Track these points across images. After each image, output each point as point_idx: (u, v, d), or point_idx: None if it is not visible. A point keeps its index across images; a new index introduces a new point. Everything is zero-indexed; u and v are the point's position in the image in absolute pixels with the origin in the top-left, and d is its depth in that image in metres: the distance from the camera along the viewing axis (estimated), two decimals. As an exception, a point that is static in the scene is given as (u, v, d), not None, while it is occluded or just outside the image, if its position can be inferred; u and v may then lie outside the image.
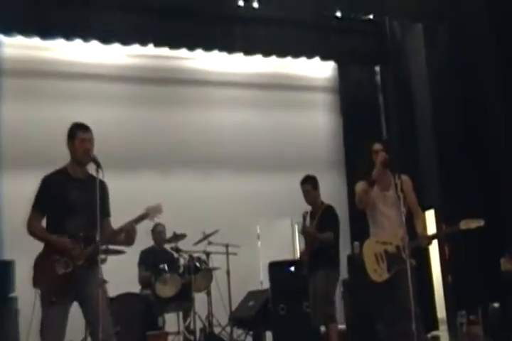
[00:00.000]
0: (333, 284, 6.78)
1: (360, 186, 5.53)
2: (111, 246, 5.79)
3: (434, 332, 9.69)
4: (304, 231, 6.92)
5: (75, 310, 4.58)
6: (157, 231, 8.16)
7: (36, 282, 4.50)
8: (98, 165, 4.51)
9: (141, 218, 4.66)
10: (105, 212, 4.69)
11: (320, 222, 6.84)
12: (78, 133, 4.64)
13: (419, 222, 5.50)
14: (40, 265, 4.51)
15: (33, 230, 4.56)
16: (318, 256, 6.76)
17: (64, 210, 4.56)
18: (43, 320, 4.44)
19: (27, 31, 9.14)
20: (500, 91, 8.95)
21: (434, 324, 9.87)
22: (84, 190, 4.58)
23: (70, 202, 4.56)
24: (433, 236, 5.57)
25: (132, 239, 4.75)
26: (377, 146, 5.52)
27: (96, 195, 4.39)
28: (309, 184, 6.99)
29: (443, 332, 9.79)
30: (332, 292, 6.73)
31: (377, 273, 5.34)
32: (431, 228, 9.02)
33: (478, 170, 9.12)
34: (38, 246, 4.58)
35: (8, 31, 9.15)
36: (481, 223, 5.04)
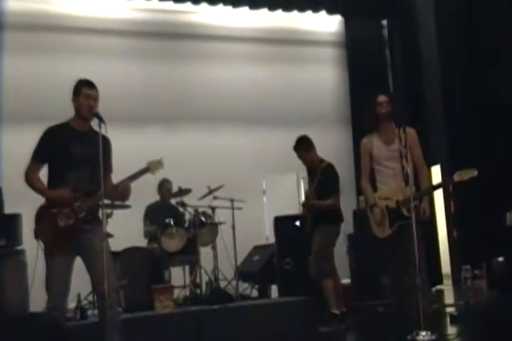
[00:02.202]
0: (331, 240, 6.72)
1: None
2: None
3: (439, 286, 9.78)
4: (306, 204, 6.89)
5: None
6: (165, 188, 8.16)
7: (38, 234, 4.54)
8: (101, 120, 4.50)
9: (143, 172, 4.66)
10: (107, 168, 4.69)
11: (319, 183, 6.73)
12: (83, 90, 4.65)
13: (423, 176, 5.45)
14: (42, 217, 4.54)
15: (29, 181, 4.58)
16: (319, 215, 6.73)
17: (65, 162, 4.56)
18: (47, 272, 4.50)
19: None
20: (510, 45, 8.81)
21: (438, 278, 9.95)
22: (86, 144, 4.59)
23: (72, 155, 4.56)
24: (432, 188, 5.53)
25: (126, 195, 4.77)
26: (381, 98, 5.45)
27: (98, 149, 4.39)
28: (301, 148, 6.81)
29: (447, 287, 9.88)
30: (328, 248, 6.68)
31: (380, 228, 5.35)
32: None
33: (486, 124, 9.05)
34: (43, 199, 4.59)
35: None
36: (475, 173, 4.97)
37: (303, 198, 10.01)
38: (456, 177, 5.01)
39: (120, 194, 4.73)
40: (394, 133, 5.36)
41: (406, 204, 5.10)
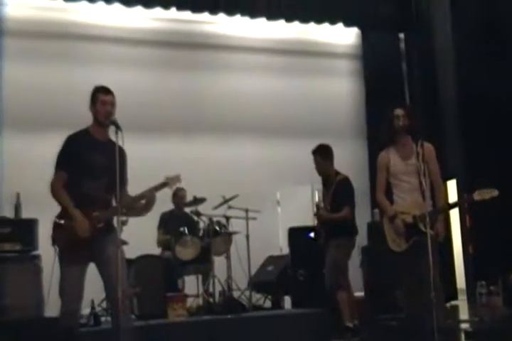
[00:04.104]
0: (344, 253, 6.68)
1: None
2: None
3: (454, 302, 9.69)
4: (318, 216, 6.89)
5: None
6: (179, 196, 8.18)
7: (55, 241, 4.57)
8: (118, 128, 4.51)
9: (161, 187, 4.70)
10: (123, 179, 4.69)
11: (334, 195, 6.72)
12: (100, 96, 4.70)
13: (439, 193, 5.42)
14: (59, 224, 4.55)
15: (56, 194, 4.59)
16: (332, 228, 6.70)
17: (83, 171, 4.58)
18: (61, 278, 4.52)
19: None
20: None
21: (453, 294, 9.87)
22: (104, 153, 4.61)
23: (90, 163, 4.59)
24: (450, 206, 5.51)
25: (151, 206, 4.82)
26: (398, 111, 5.42)
27: (115, 159, 4.41)
28: (318, 154, 6.80)
29: (462, 302, 9.79)
30: (341, 260, 6.65)
31: (396, 243, 5.33)
32: (453, 198, 8.96)
33: (503, 138, 9.00)
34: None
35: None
36: (495, 193, 4.93)
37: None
38: (477, 197, 4.96)
39: (145, 205, 4.79)
40: (411, 148, 5.33)
41: (423, 219, 5.06)
